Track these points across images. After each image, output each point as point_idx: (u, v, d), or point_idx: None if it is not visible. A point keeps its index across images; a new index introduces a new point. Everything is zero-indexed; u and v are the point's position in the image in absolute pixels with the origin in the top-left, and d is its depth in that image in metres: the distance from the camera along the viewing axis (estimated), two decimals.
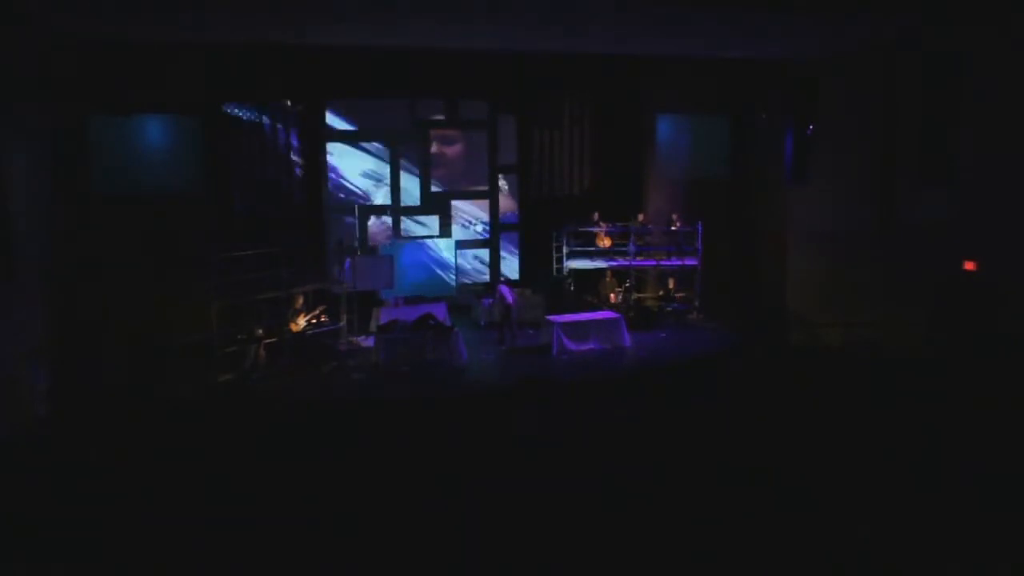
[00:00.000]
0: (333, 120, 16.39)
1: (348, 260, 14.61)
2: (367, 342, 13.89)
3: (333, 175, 16.48)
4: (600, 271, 15.95)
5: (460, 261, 17.16)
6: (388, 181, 16.76)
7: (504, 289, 14.24)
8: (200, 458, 8.60)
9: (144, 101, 13.70)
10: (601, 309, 14.84)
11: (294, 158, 15.90)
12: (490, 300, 15.20)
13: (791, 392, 10.54)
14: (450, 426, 9.83)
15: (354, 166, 16.61)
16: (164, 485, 7.77)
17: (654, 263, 15.79)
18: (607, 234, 15.99)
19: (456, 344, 12.98)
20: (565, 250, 16.02)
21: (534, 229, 17.34)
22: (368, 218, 16.74)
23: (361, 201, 16.62)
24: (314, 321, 13.23)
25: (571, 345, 13.47)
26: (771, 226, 16.03)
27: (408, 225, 16.91)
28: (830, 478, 7.62)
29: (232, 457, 8.68)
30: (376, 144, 16.68)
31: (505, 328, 14.01)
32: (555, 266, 16.33)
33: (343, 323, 14.17)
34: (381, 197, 16.76)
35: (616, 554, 6.35)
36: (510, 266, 17.60)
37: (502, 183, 17.46)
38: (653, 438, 9.04)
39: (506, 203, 17.46)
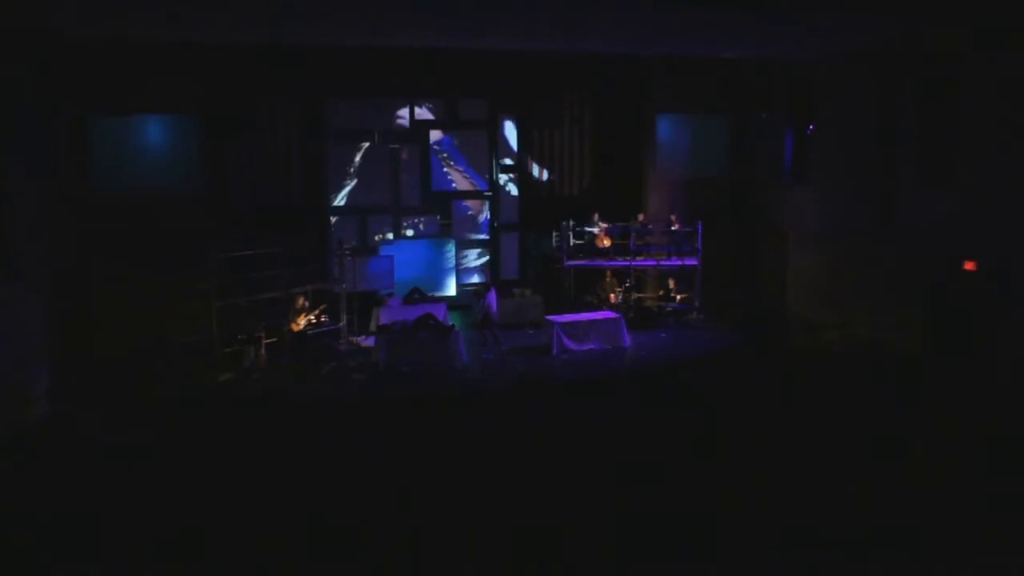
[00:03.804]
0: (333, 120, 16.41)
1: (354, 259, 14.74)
2: (367, 342, 13.90)
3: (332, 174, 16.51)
4: (600, 271, 15.94)
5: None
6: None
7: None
8: (200, 458, 8.59)
9: (144, 101, 13.71)
10: (601, 309, 14.84)
11: (294, 158, 15.91)
12: (493, 295, 15.17)
13: (791, 392, 10.54)
14: (450, 426, 9.83)
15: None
16: (164, 485, 7.77)
17: (654, 263, 15.78)
18: (607, 234, 15.99)
19: (456, 344, 12.97)
20: (565, 249, 15.99)
21: (534, 229, 17.37)
22: (368, 218, 16.78)
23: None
24: (314, 321, 13.24)
25: (571, 345, 13.46)
26: (771, 226, 16.03)
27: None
28: (830, 478, 7.62)
29: (232, 457, 8.68)
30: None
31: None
32: (555, 266, 16.33)
33: (343, 323, 14.18)
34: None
35: (615, 554, 6.35)
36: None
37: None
38: (652, 438, 9.03)
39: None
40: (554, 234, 16.34)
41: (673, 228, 15.82)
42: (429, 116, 16.96)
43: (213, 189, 14.61)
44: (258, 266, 12.67)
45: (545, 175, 17.50)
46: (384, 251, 16.12)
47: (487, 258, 17.40)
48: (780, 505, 7.08)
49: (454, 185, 17.26)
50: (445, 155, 17.09)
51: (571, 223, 15.95)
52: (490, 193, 17.40)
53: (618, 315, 14.23)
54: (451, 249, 16.88)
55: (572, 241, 15.95)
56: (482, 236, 17.51)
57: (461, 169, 17.21)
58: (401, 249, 16.20)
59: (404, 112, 16.77)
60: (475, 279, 16.94)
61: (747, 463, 8.06)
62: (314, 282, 13.87)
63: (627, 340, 13.89)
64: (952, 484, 7.42)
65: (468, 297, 16.49)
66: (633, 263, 15.56)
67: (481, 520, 6.90)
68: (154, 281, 13.03)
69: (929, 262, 11.71)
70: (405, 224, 17.10)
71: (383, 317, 14.15)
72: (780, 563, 6.16)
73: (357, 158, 16.67)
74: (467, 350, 13.12)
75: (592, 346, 13.58)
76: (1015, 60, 10.18)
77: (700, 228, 15.35)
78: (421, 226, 17.16)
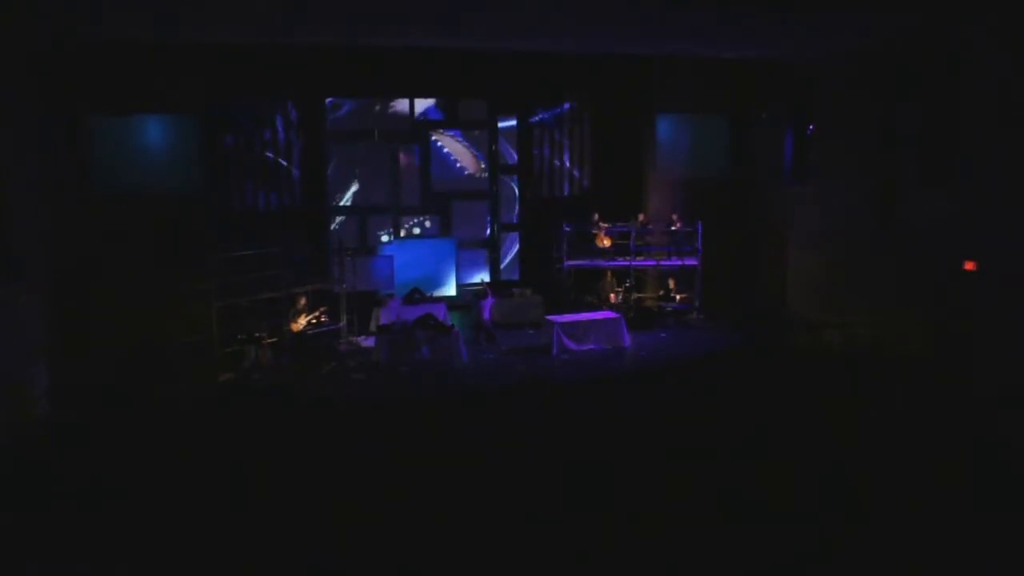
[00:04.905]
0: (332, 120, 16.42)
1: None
2: (367, 342, 13.90)
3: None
4: (600, 271, 15.94)
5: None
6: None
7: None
8: (199, 458, 8.59)
9: (144, 101, 13.71)
10: (601, 309, 14.84)
11: (294, 158, 15.91)
12: (492, 300, 15.19)
13: (791, 392, 10.54)
14: (450, 426, 9.83)
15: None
16: (164, 485, 7.77)
17: (654, 263, 15.78)
18: (607, 234, 15.98)
19: (456, 344, 12.98)
20: (565, 249, 15.97)
21: (534, 229, 17.36)
22: (369, 218, 16.79)
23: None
24: (314, 321, 13.24)
25: (571, 345, 13.46)
26: (771, 226, 16.03)
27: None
28: (831, 478, 7.62)
29: (232, 457, 8.68)
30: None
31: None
32: (555, 266, 16.33)
33: (343, 323, 14.19)
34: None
35: (614, 554, 6.35)
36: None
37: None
38: (652, 438, 9.04)
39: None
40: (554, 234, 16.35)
41: (673, 228, 15.82)
42: (430, 115, 16.96)
43: (213, 189, 14.61)
44: (258, 266, 12.67)
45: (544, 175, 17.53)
46: (384, 251, 16.12)
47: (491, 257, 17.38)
48: (781, 505, 7.08)
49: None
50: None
51: (571, 223, 15.95)
52: (490, 194, 17.41)
53: (618, 315, 14.23)
54: (451, 249, 16.87)
55: (572, 241, 15.96)
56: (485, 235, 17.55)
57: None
58: (401, 249, 16.20)
59: (405, 112, 16.77)
60: (477, 279, 16.96)
61: (747, 463, 8.05)
62: (314, 282, 13.88)
63: (627, 340, 13.90)
64: (951, 484, 7.42)
65: (468, 297, 16.51)
66: (633, 263, 15.56)
67: (481, 520, 6.90)
68: (154, 281, 13.03)
69: (929, 262, 11.71)
70: (409, 223, 17.11)
71: (383, 317, 14.16)
72: (781, 564, 6.16)
73: (361, 158, 16.69)
74: (467, 350, 13.14)
75: (592, 346, 13.58)
76: (1015, 60, 10.18)
77: (700, 228, 15.36)
78: (427, 223, 17.16)
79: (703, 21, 11.73)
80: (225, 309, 12.22)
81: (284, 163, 15.83)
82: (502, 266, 17.73)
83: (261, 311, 12.80)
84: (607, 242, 16.03)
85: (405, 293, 15.18)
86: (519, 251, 17.70)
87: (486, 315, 14.18)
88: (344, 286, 14.39)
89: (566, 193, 17.55)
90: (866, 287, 13.10)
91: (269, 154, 15.60)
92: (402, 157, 16.90)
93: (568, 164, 17.44)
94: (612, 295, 15.54)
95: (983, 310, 10.70)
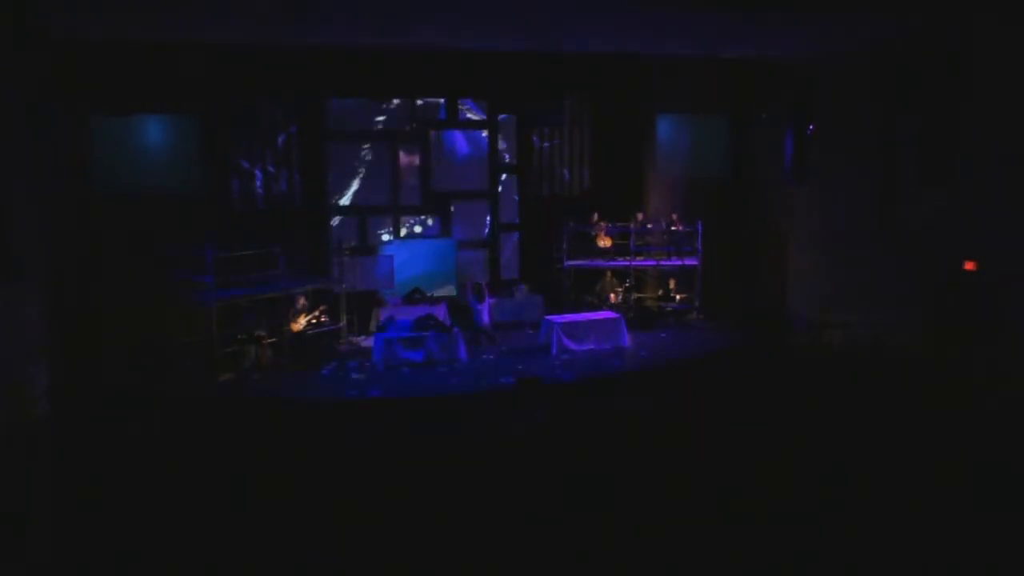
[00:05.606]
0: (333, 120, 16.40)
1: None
2: (367, 342, 13.90)
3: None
4: (600, 271, 15.94)
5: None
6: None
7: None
8: (199, 458, 8.59)
9: (144, 101, 13.71)
10: (601, 309, 14.84)
11: (294, 158, 15.89)
12: (490, 301, 15.18)
13: (791, 392, 10.54)
14: (450, 426, 9.83)
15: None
16: (164, 485, 7.77)
17: (654, 263, 15.78)
18: (607, 234, 15.98)
19: (456, 344, 12.99)
20: (565, 249, 15.94)
21: (534, 228, 17.34)
22: (369, 218, 16.76)
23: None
24: (314, 321, 13.24)
25: (571, 345, 13.47)
26: (771, 226, 16.03)
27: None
28: (831, 479, 7.62)
29: (232, 457, 8.68)
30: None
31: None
32: (555, 266, 16.32)
33: (343, 323, 14.18)
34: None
35: (614, 554, 6.35)
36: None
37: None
38: (652, 439, 9.03)
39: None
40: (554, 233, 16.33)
41: (673, 228, 15.82)
42: (433, 115, 16.93)
43: (213, 189, 14.60)
44: (258, 266, 12.67)
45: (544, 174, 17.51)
46: (384, 251, 16.10)
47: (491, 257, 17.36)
48: (781, 505, 7.08)
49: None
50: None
51: (571, 223, 15.94)
52: (491, 194, 17.38)
53: (618, 315, 14.24)
54: (451, 249, 16.84)
55: (572, 241, 15.94)
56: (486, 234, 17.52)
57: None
58: (401, 249, 16.18)
59: (405, 112, 16.74)
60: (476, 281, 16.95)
61: (747, 463, 8.05)
62: (314, 282, 13.88)
63: (627, 340, 13.90)
64: (951, 484, 7.42)
65: (469, 297, 16.48)
66: (633, 263, 15.56)
67: (481, 520, 6.90)
68: (154, 281, 13.02)
69: (929, 262, 11.71)
70: (410, 222, 17.08)
71: (383, 317, 14.16)
72: (781, 564, 6.16)
73: (361, 158, 16.67)
74: (467, 350, 13.14)
75: (592, 346, 13.58)
76: (1016, 59, 10.18)
77: (700, 228, 15.35)
78: (429, 222, 17.13)
79: (703, 21, 11.73)
80: (225, 309, 12.22)
81: (284, 163, 15.80)
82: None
83: (261, 311, 12.80)
84: (607, 242, 16.02)
85: (405, 293, 15.17)
86: (519, 252, 17.66)
87: (485, 318, 14.15)
88: (344, 286, 14.38)
89: (566, 192, 17.50)
90: (866, 287, 13.10)
91: (269, 154, 15.57)
92: (402, 156, 16.86)
93: (568, 163, 17.41)
94: (612, 295, 15.54)
95: (983, 310, 10.71)
